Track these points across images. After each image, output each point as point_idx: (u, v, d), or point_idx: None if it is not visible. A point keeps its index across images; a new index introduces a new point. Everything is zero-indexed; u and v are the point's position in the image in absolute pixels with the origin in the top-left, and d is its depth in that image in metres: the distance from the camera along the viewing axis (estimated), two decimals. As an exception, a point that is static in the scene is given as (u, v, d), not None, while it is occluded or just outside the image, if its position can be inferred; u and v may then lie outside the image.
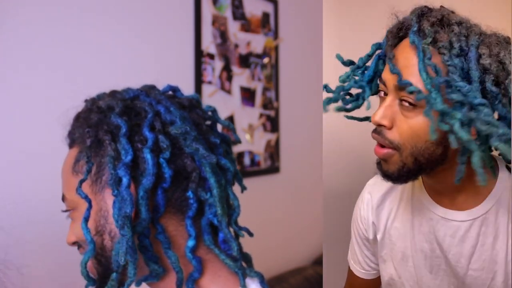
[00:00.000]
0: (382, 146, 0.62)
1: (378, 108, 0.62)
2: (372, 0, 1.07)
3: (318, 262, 1.83)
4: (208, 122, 0.59)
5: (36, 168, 1.00)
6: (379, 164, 0.65)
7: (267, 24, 1.69)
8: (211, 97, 1.44)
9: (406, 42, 0.60)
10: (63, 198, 0.55)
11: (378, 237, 0.78)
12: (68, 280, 1.05)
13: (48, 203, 1.01)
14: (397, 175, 0.62)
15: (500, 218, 0.64)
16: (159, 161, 0.50)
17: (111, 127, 0.51)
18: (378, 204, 0.79)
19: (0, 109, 0.96)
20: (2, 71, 0.96)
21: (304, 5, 1.86)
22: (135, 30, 1.22)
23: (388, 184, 0.77)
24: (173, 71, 1.32)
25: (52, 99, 1.03)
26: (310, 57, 1.85)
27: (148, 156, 0.49)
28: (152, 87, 0.59)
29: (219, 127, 0.64)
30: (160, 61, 1.28)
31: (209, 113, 0.59)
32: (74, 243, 0.55)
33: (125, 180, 0.48)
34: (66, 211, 0.55)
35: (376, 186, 0.81)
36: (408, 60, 0.59)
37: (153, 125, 0.51)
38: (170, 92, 0.60)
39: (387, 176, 0.64)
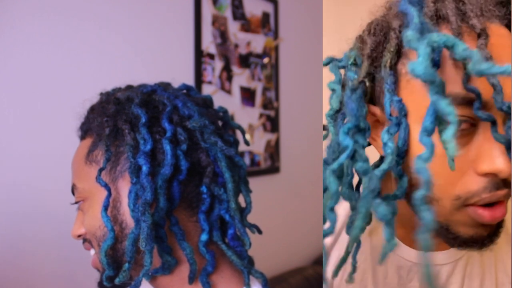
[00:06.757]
0: (493, 203, 0.42)
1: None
2: (372, 0, 1.07)
3: (318, 262, 1.82)
4: (220, 123, 0.59)
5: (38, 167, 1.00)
6: (472, 240, 0.42)
7: (267, 24, 1.69)
8: (211, 97, 1.44)
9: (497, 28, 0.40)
10: (73, 189, 0.55)
11: None
12: (70, 275, 1.05)
13: (49, 199, 1.01)
14: (497, 235, 0.44)
15: (485, 252, 0.50)
16: (176, 153, 0.50)
17: (130, 117, 0.51)
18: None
19: (0, 109, 0.97)
20: (3, 71, 0.96)
21: (304, 5, 1.86)
22: (135, 30, 1.22)
23: (338, 224, 0.58)
24: (173, 71, 1.32)
25: (51, 99, 1.03)
26: (310, 57, 1.85)
27: (167, 147, 0.49)
28: (168, 84, 0.59)
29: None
30: (160, 61, 1.28)
31: (221, 114, 0.60)
32: (79, 236, 0.55)
33: (145, 168, 0.48)
34: (76, 202, 0.55)
35: None
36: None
37: (171, 118, 0.52)
38: (184, 91, 0.60)
39: (488, 243, 0.44)
